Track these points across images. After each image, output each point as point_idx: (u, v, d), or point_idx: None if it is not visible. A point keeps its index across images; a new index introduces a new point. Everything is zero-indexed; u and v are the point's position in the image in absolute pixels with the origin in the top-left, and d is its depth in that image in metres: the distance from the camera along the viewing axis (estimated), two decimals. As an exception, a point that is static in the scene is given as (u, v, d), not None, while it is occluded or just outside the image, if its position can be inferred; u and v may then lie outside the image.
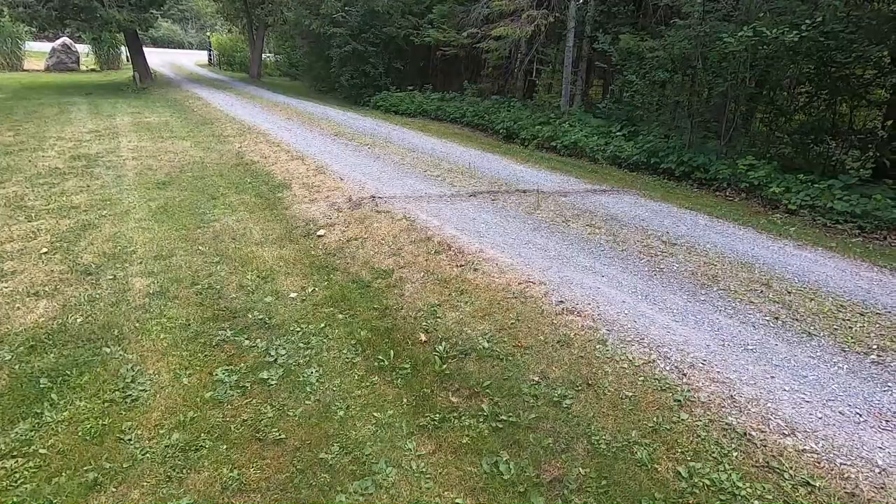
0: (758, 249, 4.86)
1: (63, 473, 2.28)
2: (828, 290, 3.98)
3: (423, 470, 2.36)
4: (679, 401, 2.58)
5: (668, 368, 2.82)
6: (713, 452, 2.29)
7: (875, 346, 3.15)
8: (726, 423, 2.43)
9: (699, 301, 3.69)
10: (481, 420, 2.63)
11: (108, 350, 3.16)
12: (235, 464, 2.37)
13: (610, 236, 4.96)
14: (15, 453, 2.37)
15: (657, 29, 9.74)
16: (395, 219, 5.14)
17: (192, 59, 40.60)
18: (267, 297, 3.88)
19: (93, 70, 27.06)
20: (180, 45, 67.51)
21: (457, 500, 2.20)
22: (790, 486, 2.10)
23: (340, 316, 3.65)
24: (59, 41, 26.59)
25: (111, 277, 4.10)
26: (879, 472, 2.14)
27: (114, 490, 2.21)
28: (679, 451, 2.33)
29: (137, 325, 3.46)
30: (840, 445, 2.30)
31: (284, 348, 3.26)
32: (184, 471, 2.32)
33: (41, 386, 2.80)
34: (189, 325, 3.49)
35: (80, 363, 3.02)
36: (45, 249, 4.49)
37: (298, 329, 3.48)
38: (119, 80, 20.97)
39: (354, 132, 10.75)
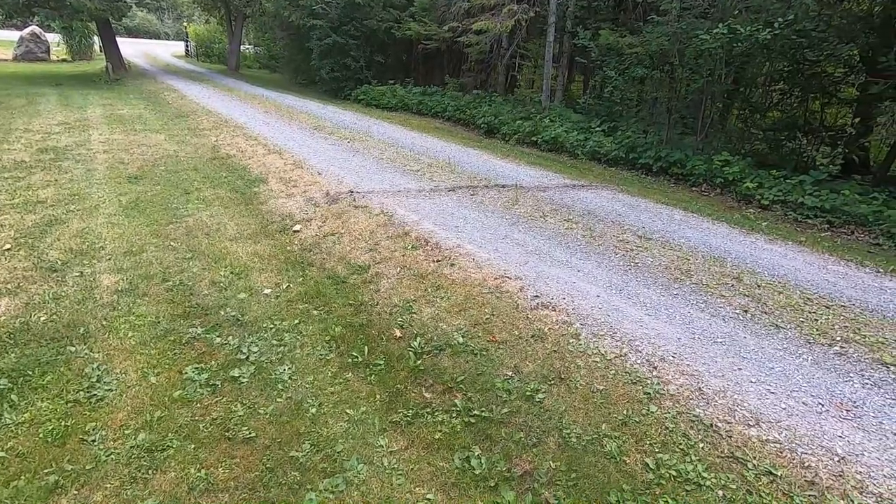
0: (730, 244, 4.95)
1: (22, 477, 2.21)
2: (796, 283, 4.08)
3: (395, 466, 2.35)
4: (649, 394, 2.62)
5: (639, 362, 2.86)
6: (680, 444, 2.33)
7: (839, 338, 3.24)
8: (694, 415, 2.47)
9: (672, 295, 3.74)
10: (454, 415, 2.63)
11: (72, 349, 3.08)
12: (203, 463, 2.33)
13: (587, 231, 5.00)
14: (-29, 457, 2.30)
15: (636, 25, 9.83)
16: (372, 214, 5.10)
17: (169, 51, 39.61)
18: (240, 294, 3.82)
19: (64, 60, 26.20)
20: (156, 36, 65.82)
21: (427, 496, 2.20)
22: (753, 476, 2.15)
23: (315, 312, 3.61)
24: (27, 30, 25.65)
25: (78, 274, 3.98)
26: (838, 461, 2.21)
27: (76, 493, 2.16)
28: (647, 443, 2.36)
29: (105, 323, 3.37)
30: (802, 435, 2.35)
31: (257, 345, 3.21)
32: (149, 471, 2.27)
33: (0, 387, 2.71)
34: (159, 322, 3.41)
35: (43, 363, 2.93)
36: (7, 246, 4.34)
37: (271, 326, 3.43)
38: (91, 71, 20.34)
39: (334, 126, 10.63)
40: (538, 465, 2.31)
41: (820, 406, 2.57)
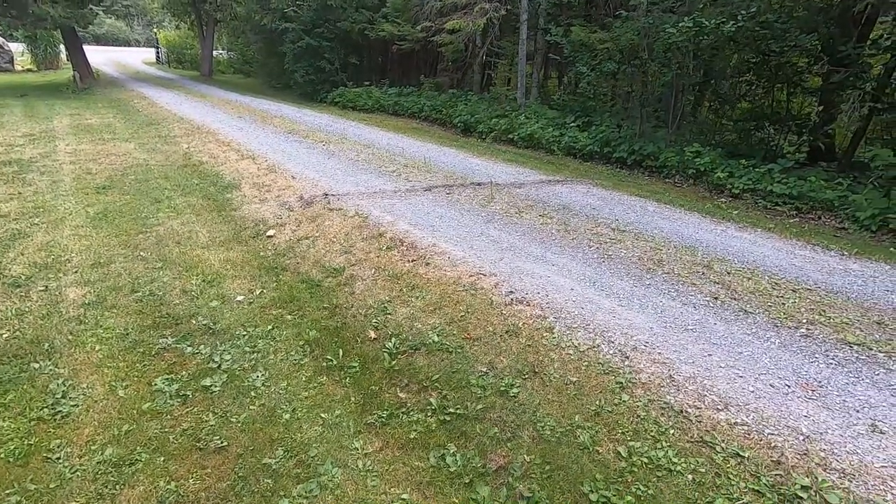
0: (701, 233, 5.03)
1: (-18, 499, 2.14)
2: (764, 269, 4.16)
3: (370, 468, 2.34)
4: (621, 383, 2.64)
5: (611, 352, 2.89)
6: (651, 431, 2.36)
7: (805, 321, 3.31)
8: (664, 403, 2.50)
9: (644, 285, 3.79)
10: (429, 414, 2.62)
11: (36, 366, 2.99)
12: (173, 476, 2.29)
13: (561, 226, 5.04)
14: (-72, 481, 2.21)
15: (606, 21, 9.94)
16: (347, 216, 5.07)
17: (139, 58, 38.87)
18: (212, 302, 3.76)
19: (29, 70, 25.52)
20: (126, 43, 64.52)
21: (402, 496, 2.19)
22: (721, 459, 2.19)
23: (289, 317, 3.57)
24: (-11, 40, 24.93)
25: (42, 289, 3.87)
26: (803, 440, 2.26)
27: (39, 512, 2.10)
28: (620, 432, 2.38)
29: (70, 337, 3.29)
30: (769, 416, 2.40)
31: (229, 353, 3.16)
32: (116, 487, 2.22)
33: (-41, 408, 2.62)
34: (127, 334, 3.34)
35: (5, 381, 2.84)
36: (-32, 262, 4.20)
37: (244, 333, 3.38)
38: (58, 81, 19.82)
39: (309, 129, 10.53)
40: (513, 459, 2.32)
41: (786, 387, 2.63)
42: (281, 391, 2.84)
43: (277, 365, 3.07)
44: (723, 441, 2.27)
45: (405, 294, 3.69)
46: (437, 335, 3.19)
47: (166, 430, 2.55)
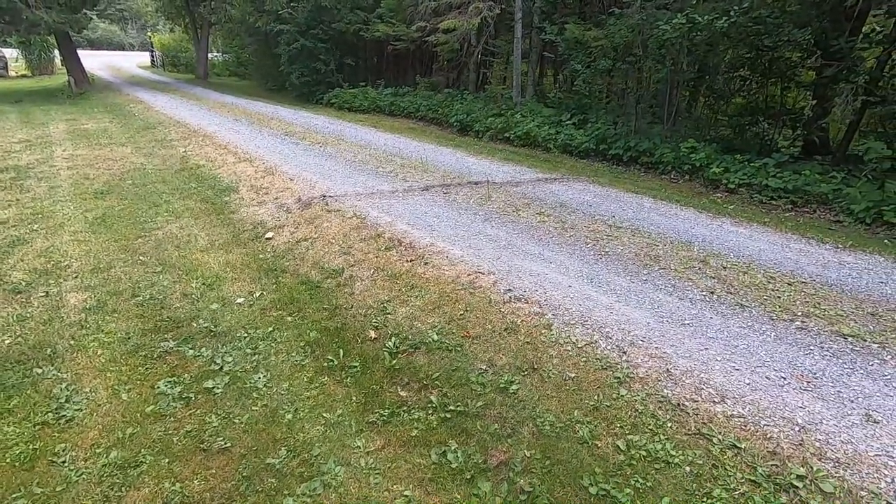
0: (698, 228, 5.07)
1: (-11, 503, 2.16)
2: (760, 263, 4.20)
3: (372, 466, 2.37)
4: (619, 378, 2.68)
5: (609, 348, 2.92)
6: (649, 425, 2.39)
7: (800, 313, 3.35)
8: (662, 396, 2.54)
9: (641, 281, 3.82)
10: (430, 412, 2.65)
11: (39, 371, 3.01)
12: (178, 477, 2.31)
13: (558, 223, 5.07)
14: (-65, 487, 2.24)
15: (600, 18, 9.97)
16: (345, 217, 5.09)
17: (134, 61, 38.78)
18: (213, 305, 3.78)
19: (24, 76, 25.49)
20: (120, 47, 64.38)
21: (405, 493, 2.22)
22: (718, 451, 2.22)
23: (289, 318, 3.59)
24: (-17, 46, 24.87)
25: (43, 294, 3.89)
26: (799, 430, 2.29)
27: (46, 515, 2.12)
28: (618, 426, 2.42)
29: (72, 342, 3.31)
30: (765, 408, 2.44)
31: (231, 355, 3.19)
32: (122, 489, 2.25)
33: (-36, 414, 2.64)
34: (129, 338, 3.36)
35: (8, 386, 2.87)
36: (-32, 269, 4.22)
37: (245, 335, 3.40)
38: (53, 86, 19.81)
39: (306, 131, 10.55)
40: (513, 454, 2.35)
41: (782, 379, 2.67)
42: (283, 392, 2.87)
43: (279, 366, 3.09)
44: (719, 433, 2.31)
45: (404, 294, 3.72)
46: (437, 334, 3.22)
47: (170, 432, 2.57)
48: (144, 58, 40.98)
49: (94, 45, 57.83)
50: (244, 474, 2.33)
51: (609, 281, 3.81)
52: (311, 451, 2.45)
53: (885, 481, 2.04)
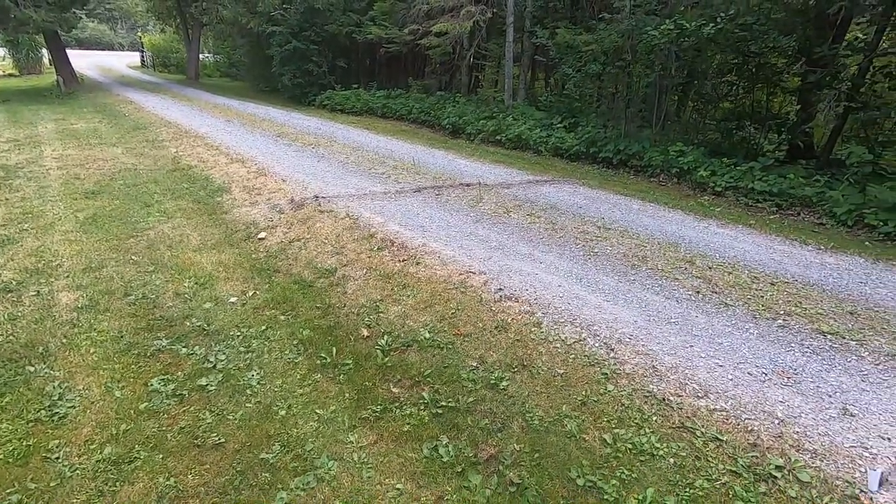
0: (685, 230, 5.17)
1: (-17, 498, 2.17)
2: (745, 263, 4.30)
3: (365, 460, 2.41)
4: (606, 374, 2.74)
5: (597, 345, 2.99)
6: (635, 419, 2.46)
7: (782, 312, 3.45)
8: (648, 391, 2.61)
9: (629, 281, 3.90)
10: (422, 408, 2.70)
11: (31, 368, 3.02)
12: (172, 472, 2.34)
13: (548, 224, 5.15)
14: (-72, 483, 2.24)
15: (591, 23, 10.11)
16: (338, 218, 5.13)
17: (124, 61, 38.50)
18: (206, 304, 3.80)
19: (11, 75, 25.17)
20: (109, 47, 63.82)
21: (397, 486, 2.27)
22: (701, 443, 2.30)
23: (282, 317, 3.62)
24: (-31, 45, 24.55)
25: (34, 293, 3.89)
26: (778, 423, 2.37)
27: (40, 510, 2.14)
28: (605, 420, 2.48)
29: (65, 340, 3.31)
30: (746, 403, 2.52)
31: (224, 353, 3.21)
32: (116, 484, 2.27)
33: (-44, 411, 2.65)
34: (122, 336, 3.37)
35: (1, 384, 2.87)
36: (-42, 268, 4.20)
37: (238, 333, 3.43)
38: (41, 86, 19.62)
39: (298, 132, 10.56)
40: (503, 448, 2.41)
41: (763, 375, 2.75)
42: (276, 389, 2.90)
43: (272, 364, 3.12)
44: (702, 426, 2.38)
45: (397, 293, 3.76)
46: (429, 332, 3.27)
47: (164, 428, 2.59)
48: (134, 58, 40.70)
49: (83, 44, 57.29)
50: (238, 469, 2.36)
51: (598, 280, 3.88)
52: (304, 446, 2.48)
53: (860, 471, 2.12)
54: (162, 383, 2.92)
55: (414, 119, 13.21)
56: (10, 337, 3.32)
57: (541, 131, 9.77)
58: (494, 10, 11.23)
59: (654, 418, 2.45)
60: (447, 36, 11.11)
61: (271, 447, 2.48)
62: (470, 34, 11.48)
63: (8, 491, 2.21)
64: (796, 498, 2.03)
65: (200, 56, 28.05)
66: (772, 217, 6.03)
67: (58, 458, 2.40)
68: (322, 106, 15.83)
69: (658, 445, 2.31)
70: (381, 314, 3.54)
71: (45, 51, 23.76)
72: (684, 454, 2.26)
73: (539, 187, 6.74)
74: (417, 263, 4.09)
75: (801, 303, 3.58)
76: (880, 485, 2.02)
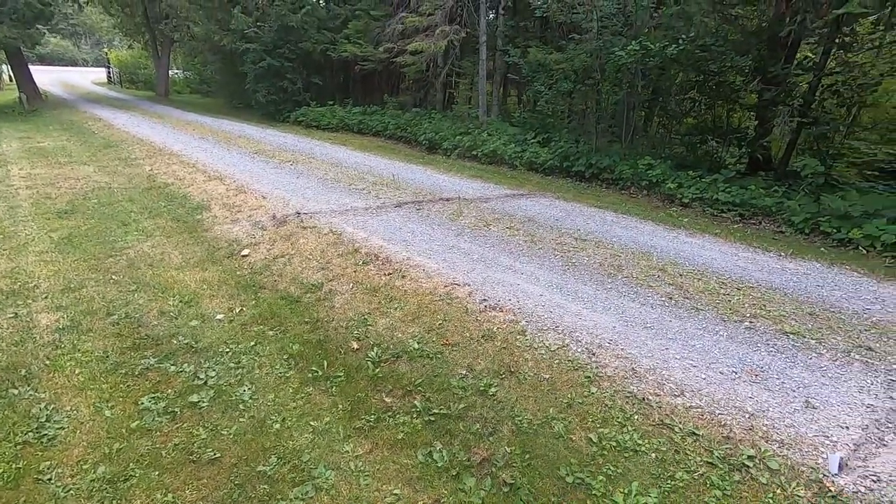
0: (656, 240, 5.42)
1: (-26, 523, 2.15)
2: (713, 270, 4.55)
3: (362, 468, 2.47)
4: (589, 377, 2.89)
5: (579, 350, 3.14)
6: (618, 418, 2.60)
7: (748, 315, 3.68)
8: (628, 392, 2.76)
9: (606, 289, 4.09)
10: (415, 416, 2.78)
11: (15, 391, 2.97)
12: (169, 488, 2.35)
13: (528, 237, 5.33)
14: (-86, 510, 2.20)
15: (561, 43, 10.51)
16: (321, 233, 5.19)
17: (88, 78, 37.62)
18: (192, 322, 3.80)
19: (-32, 92, 24.29)
20: (73, 63, 62.28)
21: (395, 492, 2.34)
22: (680, 438, 2.45)
23: (271, 333, 3.66)
24: (-77, 60, 23.63)
25: (12, 315, 3.81)
26: (749, 417, 2.55)
27: (35, 532, 2.13)
28: (590, 420, 2.62)
29: (48, 362, 3.27)
30: (719, 399, 2.69)
31: (214, 370, 3.23)
32: (113, 502, 2.27)
33: (-61, 436, 2.59)
34: (107, 356, 3.35)
35: (-16, 408, 2.82)
36: (-72, 292, 4.08)
37: (227, 350, 3.45)
38: (2, 103, 19.01)
39: (275, 149, 10.57)
40: (495, 451, 2.51)
41: (734, 374, 2.94)
42: (269, 403, 2.93)
43: (263, 379, 3.16)
44: (680, 423, 2.54)
45: (384, 306, 3.85)
46: (417, 343, 3.36)
47: (158, 445, 2.60)
48: (99, 74, 39.81)
49: (45, 60, 55.72)
50: (236, 482, 2.39)
51: (577, 289, 4.05)
52: (300, 457, 2.53)
53: (822, 458, 2.30)
54: (153, 401, 2.92)
55: (390, 135, 13.37)
56: (-10, 360, 3.26)
57: (515, 146, 10.05)
58: (468, 30, 11.56)
59: (636, 417, 2.60)
60: (423, 54, 11.36)
61: (268, 460, 2.52)
62: (445, 52, 11.76)
63: (0, 514, 2.19)
64: (767, 484, 2.20)
65: (170, 72, 27.67)
66: (735, 226, 6.36)
67: (50, 479, 2.38)
68: (297, 122, 15.84)
69: (640, 442, 2.45)
70: (370, 327, 3.61)
71: (4, 67, 23.06)
72: (664, 449, 2.41)
73: (516, 201, 6.94)
74: (403, 276, 4.19)
75: (765, 306, 3.82)
76: (840, 469, 2.20)
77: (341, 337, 3.55)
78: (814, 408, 2.64)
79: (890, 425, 2.54)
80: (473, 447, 2.55)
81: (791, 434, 2.44)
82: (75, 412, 2.83)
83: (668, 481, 2.26)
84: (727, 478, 2.24)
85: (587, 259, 4.72)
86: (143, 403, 2.90)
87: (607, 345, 3.20)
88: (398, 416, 2.79)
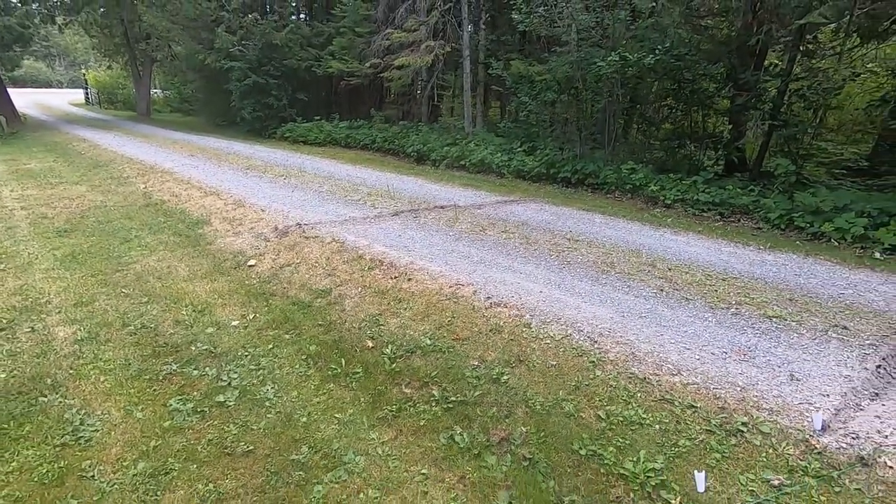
0: (643, 238, 5.72)
1: (27, 518, 2.26)
2: (698, 264, 4.85)
3: (389, 453, 2.65)
4: (593, 362, 3.11)
5: (582, 339, 3.36)
6: (623, 396, 2.83)
7: (734, 302, 3.96)
8: (631, 373, 2.99)
9: (601, 284, 4.34)
10: (434, 404, 2.97)
11: (45, 399, 3.08)
12: (209, 478, 2.50)
13: (523, 239, 5.57)
14: (-34, 509, 2.31)
15: (542, 56, 10.92)
16: (324, 242, 5.36)
17: (64, 99, 37.27)
18: (208, 329, 3.93)
19: (-57, 116, 23.84)
20: (47, 84, 61.44)
21: (422, 472, 2.52)
22: (680, 411, 2.68)
23: (286, 336, 3.81)
24: None
25: (29, 329, 3.90)
26: (740, 390, 2.80)
27: (87, 523, 2.25)
28: (597, 399, 2.83)
29: (72, 371, 3.38)
30: (713, 376, 2.94)
31: (236, 372, 3.37)
32: (158, 493, 2.40)
33: (-22, 442, 2.69)
34: (130, 364, 3.47)
35: (17, 415, 2.92)
36: (-59, 310, 4.14)
37: (246, 353, 3.59)
38: (-19, 126, 18.73)
39: (266, 164, 10.70)
40: (512, 431, 2.71)
41: (724, 354, 3.20)
42: (293, 399, 3.09)
43: (285, 378, 3.31)
44: (679, 398, 2.77)
45: (393, 307, 4.03)
46: (429, 339, 3.56)
47: (192, 442, 2.74)
48: (76, 95, 39.44)
49: (17, 82, 54.86)
50: (272, 470, 2.54)
51: (574, 285, 4.30)
52: (330, 445, 2.69)
53: (807, 422, 2.55)
54: (181, 402, 3.05)
55: (378, 148, 13.60)
56: (14, 372, 3.35)
57: (502, 155, 10.36)
58: (453, 45, 11.92)
59: (639, 394, 2.83)
60: (409, 68, 11.66)
61: (300, 449, 2.68)
62: (430, 67, 12.09)
63: (51, 508, 2.31)
64: (760, 446, 2.44)
65: (151, 92, 27.60)
66: (716, 224, 6.71)
67: (93, 476, 2.50)
68: (283, 138, 15.98)
69: (644, 416, 2.68)
70: (382, 326, 3.79)
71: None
72: (667, 421, 2.64)
73: (508, 206, 7.21)
74: (409, 279, 4.38)
75: (749, 294, 4.11)
76: (823, 429, 2.46)
77: (355, 337, 3.73)
78: (798, 380, 2.90)
79: (865, 392, 2.82)
80: (491, 429, 2.74)
81: (779, 403, 2.69)
82: (107, 415, 2.94)
83: (672, 448, 2.49)
84: (724, 442, 2.48)
85: (581, 258, 4.98)
86: (171, 405, 3.03)
87: (607, 333, 3.44)
88: (418, 405, 2.98)
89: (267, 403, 3.05)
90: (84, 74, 37.30)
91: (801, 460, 2.35)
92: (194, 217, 6.78)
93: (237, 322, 4.02)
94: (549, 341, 3.37)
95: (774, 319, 3.67)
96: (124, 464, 2.58)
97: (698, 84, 8.78)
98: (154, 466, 2.56)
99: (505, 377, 3.09)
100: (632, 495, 2.30)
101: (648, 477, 2.35)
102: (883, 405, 2.70)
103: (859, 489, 2.20)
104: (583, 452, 2.53)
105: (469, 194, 8.04)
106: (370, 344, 3.60)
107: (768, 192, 7.08)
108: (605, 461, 2.47)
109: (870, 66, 9.45)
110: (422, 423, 2.83)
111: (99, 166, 10.74)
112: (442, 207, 6.96)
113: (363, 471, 2.53)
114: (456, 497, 2.37)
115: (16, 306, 4.27)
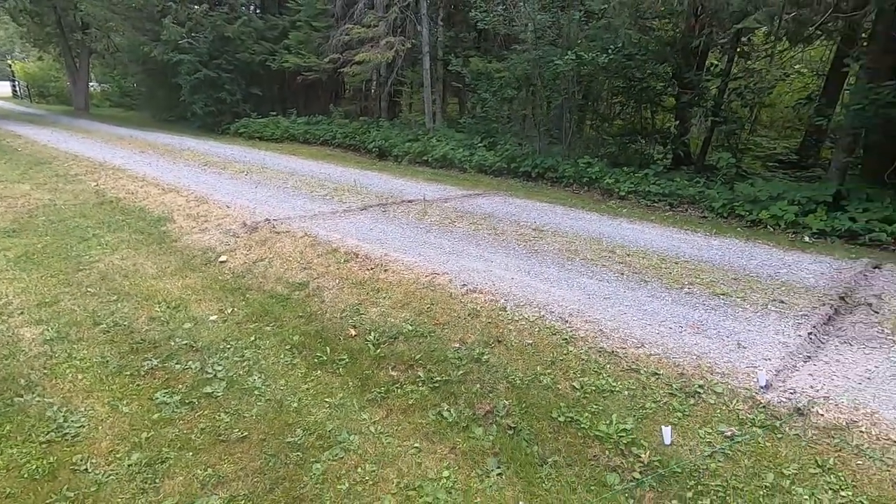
0: (602, 227, 6.09)
1: (23, 512, 2.26)
2: (653, 250, 5.24)
3: (381, 430, 2.79)
4: (566, 339, 3.37)
5: (554, 319, 3.62)
6: (594, 368, 3.09)
7: (686, 283, 4.34)
8: (600, 348, 3.26)
9: (567, 270, 4.63)
10: (420, 385, 3.13)
11: (22, 399, 3.01)
12: (206, 464, 2.56)
13: (491, 230, 5.81)
14: (-46, 508, 2.27)
15: (500, 53, 11.22)
16: (296, 237, 5.39)
17: (-11, 92, 34.45)
18: (185, 324, 3.92)
19: None
20: (-35, 76, 56.45)
21: (415, 445, 2.68)
22: (645, 378, 2.97)
23: (268, 328, 3.86)
24: None
25: (-9, 332, 3.76)
26: (696, 358, 3.13)
27: (87, 512, 2.27)
28: (571, 372, 3.09)
29: (46, 370, 3.31)
30: (672, 348, 3.26)
31: (220, 364, 3.40)
32: (156, 480, 2.45)
33: (-43, 444, 2.62)
34: (107, 361, 3.43)
35: (-5, 416, 2.86)
36: None
37: (229, 346, 3.62)
38: None
39: (224, 160, 10.45)
40: (495, 404, 2.91)
41: (680, 328, 3.53)
42: (282, 387, 3.17)
43: (271, 368, 3.38)
44: (644, 367, 3.07)
45: (372, 297, 4.16)
46: (411, 325, 3.71)
47: (185, 431, 2.78)
48: (3, 88, 36.54)
49: (-70, 73, 50.16)
50: (269, 453, 2.63)
51: (543, 272, 4.56)
52: (324, 427, 2.81)
53: (752, 382, 2.90)
54: (167, 395, 3.07)
55: (339, 144, 13.51)
56: (-17, 374, 3.25)
57: (464, 150, 10.58)
58: (413, 41, 12.02)
59: (608, 366, 3.10)
60: (369, 64, 11.66)
61: (294, 432, 2.78)
62: (390, 63, 12.14)
63: (48, 501, 2.31)
64: (714, 404, 2.76)
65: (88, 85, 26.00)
66: (667, 213, 7.20)
67: (86, 469, 2.51)
68: (238, 134, 15.56)
69: (614, 384, 2.95)
70: (363, 315, 3.91)
71: None
72: (634, 387, 2.92)
73: (474, 200, 7.43)
74: (385, 270, 4.51)
75: (699, 275, 4.51)
76: (766, 387, 2.81)
77: (338, 326, 3.83)
78: (744, 347, 3.27)
79: (800, 355, 3.21)
80: (476, 404, 2.94)
81: (729, 367, 3.03)
82: (91, 411, 2.93)
83: (640, 410, 2.77)
84: (685, 402, 2.78)
85: (547, 246, 5.27)
86: (158, 398, 3.05)
87: (576, 313, 3.71)
88: (405, 386, 3.13)
89: (256, 392, 3.12)
90: (10, 65, 34.61)
91: (749, 414, 2.69)
92: (155, 215, 6.60)
93: (215, 317, 4.02)
94: (524, 322, 3.60)
95: (722, 296, 4.06)
96: (117, 456, 2.60)
97: (647, 83, 9.32)
98: (149, 456, 2.59)
99: (485, 357, 3.30)
100: (607, 453, 2.56)
101: (621, 436, 2.62)
102: (814, 365, 3.09)
103: (797, 434, 2.54)
104: (561, 419, 2.77)
105: (435, 188, 8.20)
106: (353, 332, 3.72)
107: (712, 183, 7.65)
108: (582, 425, 2.72)
109: (797, 67, 10.33)
110: (410, 403, 2.99)
111: (41, 164, 10.14)
112: (410, 201, 7.10)
113: (359, 448, 2.66)
114: (448, 465, 2.55)
115: (-28, 309, 4.09)
